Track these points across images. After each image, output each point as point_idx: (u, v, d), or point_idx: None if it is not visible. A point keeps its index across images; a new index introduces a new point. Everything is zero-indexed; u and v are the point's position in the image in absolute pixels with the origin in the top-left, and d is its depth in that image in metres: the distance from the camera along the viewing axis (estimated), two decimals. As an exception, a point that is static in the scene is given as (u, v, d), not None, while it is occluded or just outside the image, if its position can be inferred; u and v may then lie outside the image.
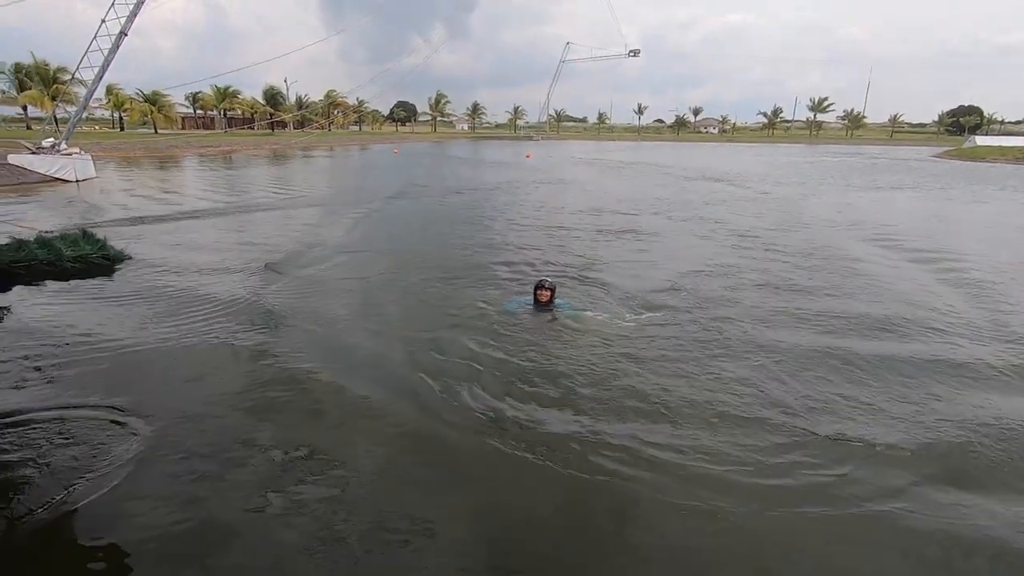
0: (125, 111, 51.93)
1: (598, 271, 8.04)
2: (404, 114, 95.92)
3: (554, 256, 9.02)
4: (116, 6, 15.61)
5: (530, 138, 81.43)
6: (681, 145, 75.76)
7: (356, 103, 75.36)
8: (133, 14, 15.64)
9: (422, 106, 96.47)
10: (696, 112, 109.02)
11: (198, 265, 8.08)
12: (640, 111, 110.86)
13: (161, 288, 6.96)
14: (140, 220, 11.86)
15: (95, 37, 16.05)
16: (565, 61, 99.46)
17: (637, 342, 5.38)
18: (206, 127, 65.69)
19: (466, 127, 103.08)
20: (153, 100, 51.01)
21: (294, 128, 67.50)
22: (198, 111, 68.42)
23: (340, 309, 6.42)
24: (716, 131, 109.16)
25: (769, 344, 5.36)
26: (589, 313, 6.04)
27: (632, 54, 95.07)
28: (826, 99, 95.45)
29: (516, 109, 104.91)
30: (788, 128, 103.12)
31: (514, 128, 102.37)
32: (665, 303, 6.62)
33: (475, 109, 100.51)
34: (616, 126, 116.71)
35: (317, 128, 71.39)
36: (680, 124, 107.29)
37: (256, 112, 65.36)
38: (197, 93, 63.95)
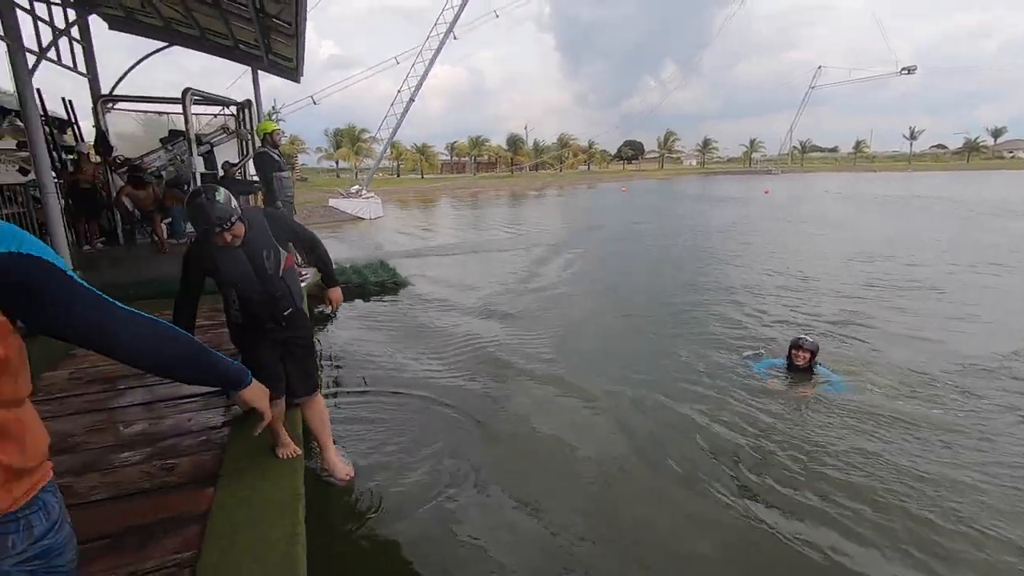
0: (401, 161, 63.35)
1: (866, 333, 6.73)
2: (631, 152, 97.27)
3: (807, 308, 7.93)
4: (408, 79, 19.66)
5: (768, 172, 75.08)
6: (973, 174, 61.37)
7: (587, 145, 79.24)
8: (419, 85, 19.39)
9: (649, 144, 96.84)
10: (996, 133, 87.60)
11: (452, 293, 9.28)
12: (913, 136, 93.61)
13: (431, 309, 8.23)
14: (416, 253, 14.20)
15: (392, 104, 20.43)
16: (815, 87, 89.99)
17: (928, 440, 4.15)
18: (458, 171, 76.09)
19: (694, 163, 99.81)
20: (422, 151, 61.36)
21: (530, 170, 73.84)
22: (453, 158, 79.78)
23: (557, 353, 6.30)
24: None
25: None
26: (857, 388, 4.99)
27: (906, 71, 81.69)
28: None
29: (752, 142, 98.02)
30: None
31: (748, 162, 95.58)
32: (968, 388, 5.05)
33: (705, 144, 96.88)
34: (877, 155, 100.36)
35: (550, 169, 76.90)
36: (972, 149, 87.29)
37: (499, 157, 73.49)
38: (454, 142, 74.83)
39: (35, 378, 1.18)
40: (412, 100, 20.41)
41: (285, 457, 2.90)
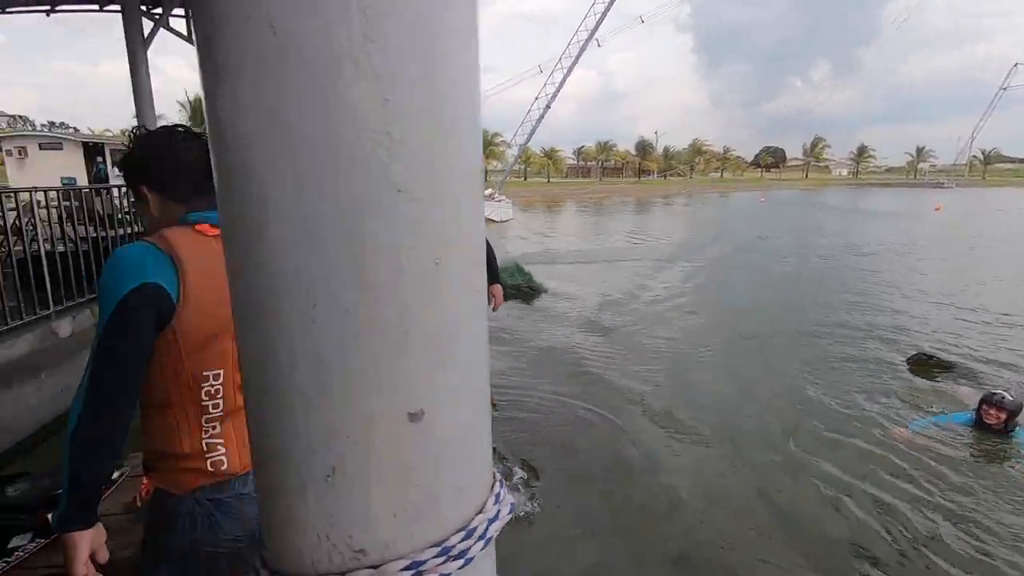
0: (528, 164, 64.80)
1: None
2: (771, 159, 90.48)
3: (995, 353, 6.62)
4: (546, 86, 20.13)
5: (939, 184, 65.57)
6: None
7: (722, 151, 75.22)
8: (557, 92, 19.78)
9: (792, 150, 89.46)
10: None
11: (576, 303, 9.28)
12: None
13: (558, 318, 8.33)
14: (544, 257, 14.44)
15: (528, 111, 21.07)
16: (1007, 88, 77.08)
17: None
18: (584, 175, 76.06)
19: (845, 172, 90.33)
20: (550, 154, 62.23)
21: (658, 176, 71.76)
22: (580, 162, 79.90)
23: (673, 379, 5.85)
24: None
25: None
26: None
27: None
28: None
29: (919, 150, 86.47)
30: None
31: (914, 173, 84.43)
32: None
33: (861, 152, 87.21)
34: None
35: (678, 175, 74.12)
36: None
37: (626, 162, 72.35)
38: (581, 147, 74.96)
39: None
40: (548, 107, 20.88)
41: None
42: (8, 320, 3.80)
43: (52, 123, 31.70)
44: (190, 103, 37.46)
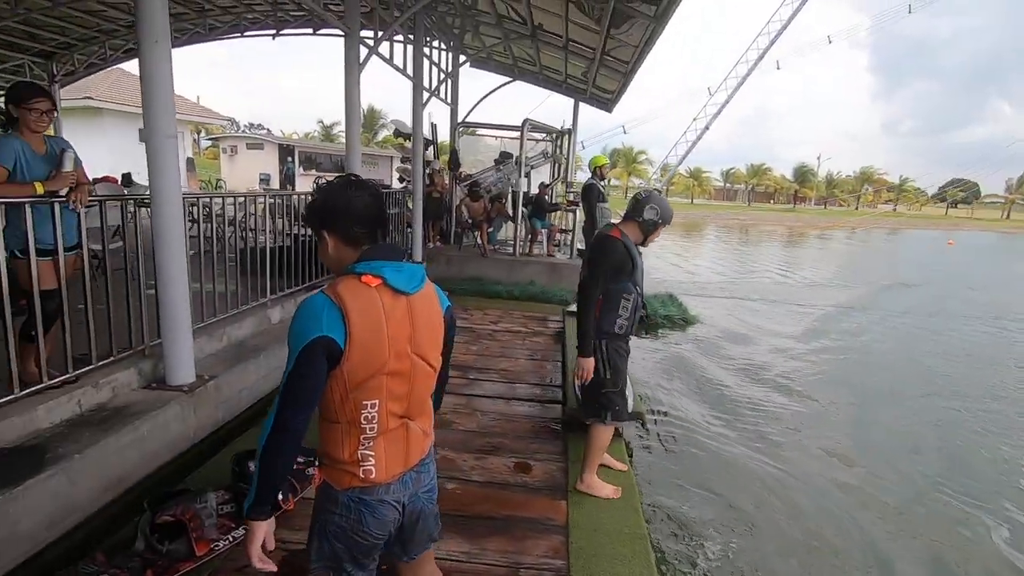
0: (672, 184, 62.60)
1: None
2: (961, 194, 77.97)
3: None
4: (707, 107, 19.32)
5: None
6: None
7: (897, 181, 66.58)
8: (718, 113, 18.90)
9: (989, 185, 76.33)
10: None
11: (726, 342, 8.66)
12: None
13: (706, 356, 7.85)
14: (689, 287, 13.79)
15: (685, 131, 20.37)
16: None
17: None
18: (728, 199, 71.66)
19: (1063, 215, 74.91)
20: (695, 175, 59.57)
21: (815, 204, 65.41)
22: (727, 184, 75.43)
23: (849, 441, 5.33)
24: None
25: None
26: None
27: None
28: None
29: None
30: None
31: None
32: None
33: (1088, 192, 71.91)
34: None
35: (840, 206, 66.90)
36: None
37: (778, 188, 66.90)
38: (730, 169, 70.72)
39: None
40: (707, 128, 20.03)
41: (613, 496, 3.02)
42: (238, 304, 4.43)
43: (252, 124, 36.80)
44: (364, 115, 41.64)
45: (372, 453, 1.36)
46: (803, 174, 67.41)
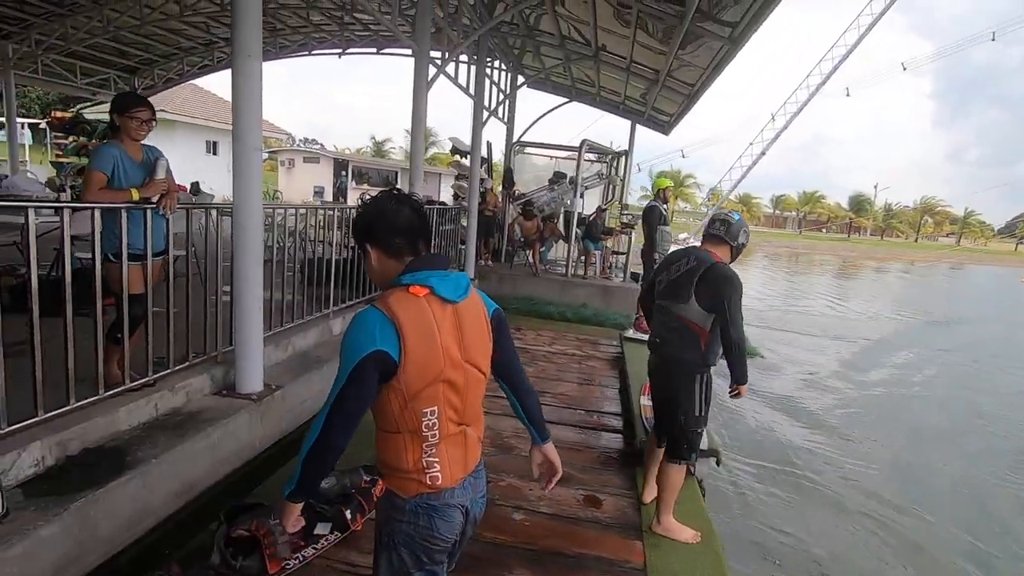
0: (721, 209, 61.37)
1: None
2: (1033, 230, 73.40)
3: None
4: (763, 131, 18.82)
5: None
6: None
7: (962, 213, 63.33)
8: (775, 138, 18.40)
9: (1068, 221, 71.49)
10: None
11: (780, 377, 8.26)
12: None
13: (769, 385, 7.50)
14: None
15: (740, 156, 19.89)
16: None
17: None
18: (777, 226, 69.62)
19: None
20: (745, 201, 58.20)
21: (871, 235, 62.85)
22: (776, 212, 73.39)
23: (901, 487, 5.03)
24: None
25: None
26: None
27: None
28: None
29: None
30: None
31: None
32: None
33: None
34: None
35: (898, 237, 64.05)
36: None
37: (831, 217, 64.63)
38: (781, 196, 68.83)
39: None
40: (763, 153, 19.49)
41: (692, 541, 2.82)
42: (303, 315, 4.47)
43: (306, 139, 38.16)
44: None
45: (436, 459, 1.38)
46: (859, 203, 64.95)
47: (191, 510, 2.85)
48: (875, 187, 66.37)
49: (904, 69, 28.66)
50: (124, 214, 2.75)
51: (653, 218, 6.35)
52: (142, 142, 2.95)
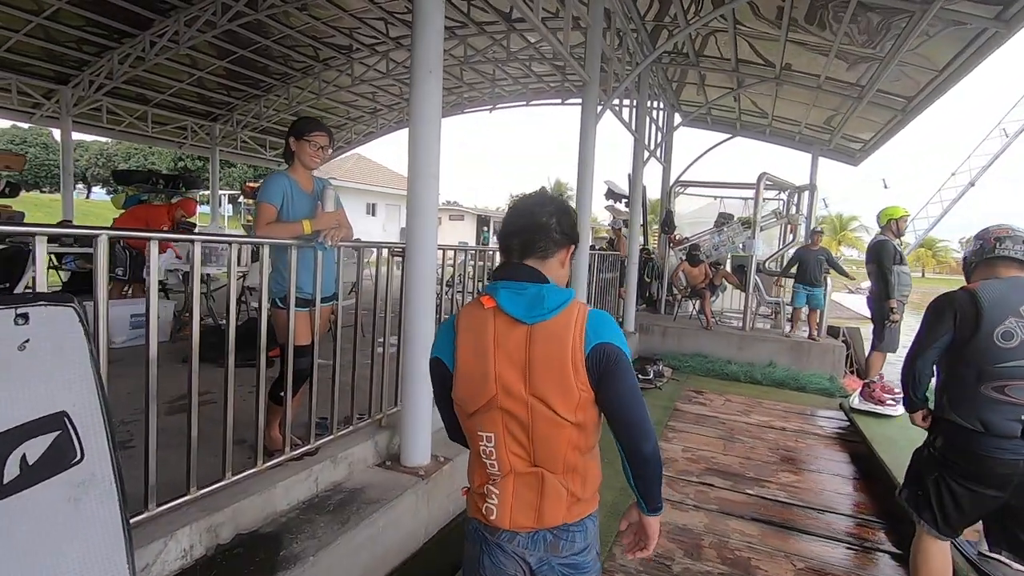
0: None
1: None
2: None
3: None
4: (972, 158, 15.60)
5: None
6: None
7: None
8: (987, 166, 15.13)
9: None
10: None
11: None
12: None
13: None
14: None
15: (940, 188, 16.60)
16: None
17: None
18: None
19: None
20: (929, 245, 50.11)
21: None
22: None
23: None
24: None
25: None
26: None
27: None
28: None
29: None
30: None
31: None
32: None
33: None
34: None
35: None
36: None
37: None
38: (970, 238, 58.38)
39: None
40: (971, 184, 15.97)
41: None
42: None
43: (448, 201, 40.63)
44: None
45: (497, 491, 1.22)
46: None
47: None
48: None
49: None
50: (294, 252, 2.38)
51: (885, 256, 4.96)
52: (313, 172, 2.62)
